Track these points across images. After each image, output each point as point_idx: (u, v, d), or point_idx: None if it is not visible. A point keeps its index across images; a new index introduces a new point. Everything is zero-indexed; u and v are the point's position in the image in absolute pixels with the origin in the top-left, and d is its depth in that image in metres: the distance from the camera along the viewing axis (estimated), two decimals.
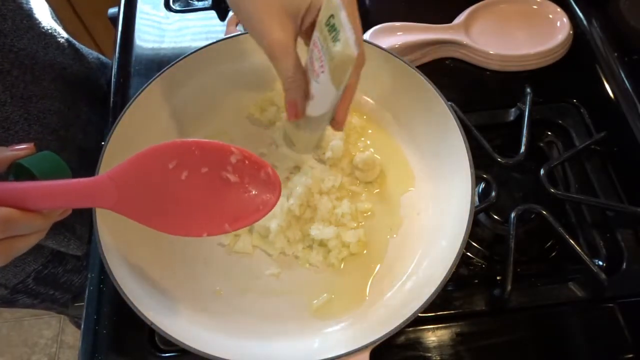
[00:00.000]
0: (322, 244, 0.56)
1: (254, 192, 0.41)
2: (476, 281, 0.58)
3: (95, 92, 0.75)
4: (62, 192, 0.37)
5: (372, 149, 0.62)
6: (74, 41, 0.72)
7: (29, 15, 0.61)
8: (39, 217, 0.37)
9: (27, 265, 0.68)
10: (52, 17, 0.68)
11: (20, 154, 0.38)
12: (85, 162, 0.70)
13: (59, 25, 0.69)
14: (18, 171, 0.38)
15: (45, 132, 0.62)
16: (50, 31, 0.65)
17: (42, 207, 0.37)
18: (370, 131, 0.64)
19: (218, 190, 0.40)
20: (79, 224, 0.69)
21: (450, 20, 0.75)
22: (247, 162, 0.40)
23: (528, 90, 0.66)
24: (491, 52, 0.71)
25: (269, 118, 0.64)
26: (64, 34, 0.69)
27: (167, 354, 0.53)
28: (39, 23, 0.63)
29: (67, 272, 0.74)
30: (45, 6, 0.68)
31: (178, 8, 0.81)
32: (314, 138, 0.52)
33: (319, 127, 0.49)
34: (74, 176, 0.39)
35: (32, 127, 0.60)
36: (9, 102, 0.57)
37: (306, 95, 0.44)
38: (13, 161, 0.38)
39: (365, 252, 0.57)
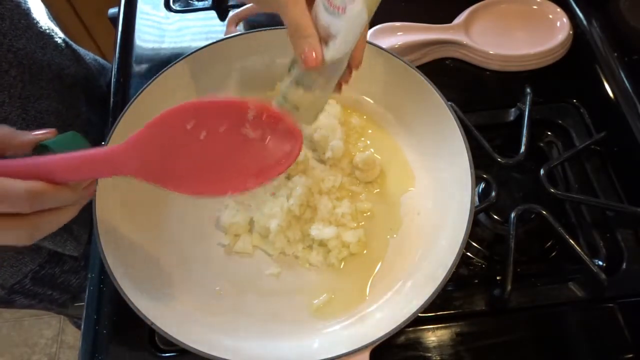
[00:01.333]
0: (322, 244, 0.56)
1: (274, 147, 0.41)
2: (476, 281, 0.58)
3: (95, 93, 0.75)
4: (85, 163, 0.37)
5: (372, 149, 0.62)
6: (71, 42, 0.73)
7: (26, 14, 0.61)
8: (66, 189, 0.37)
9: (24, 266, 0.68)
10: (49, 18, 0.68)
11: (43, 137, 0.38)
12: None
13: (56, 26, 0.69)
14: (42, 153, 0.38)
15: None
16: (48, 31, 0.65)
17: (67, 179, 0.37)
18: (370, 131, 0.64)
19: (238, 147, 0.40)
20: (77, 224, 0.69)
21: (450, 20, 0.75)
22: (265, 116, 0.39)
23: (528, 90, 0.66)
24: (491, 52, 0.71)
25: None
26: (61, 35, 0.69)
27: (167, 354, 0.53)
28: (37, 23, 0.63)
29: (64, 272, 0.74)
30: (42, 6, 0.68)
31: (178, 8, 0.81)
32: (321, 100, 0.48)
33: (332, 78, 0.46)
34: None
35: (30, 127, 0.60)
36: (6, 102, 0.57)
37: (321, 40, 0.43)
38: (36, 143, 0.37)
39: (365, 252, 0.57)
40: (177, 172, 0.40)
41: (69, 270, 0.74)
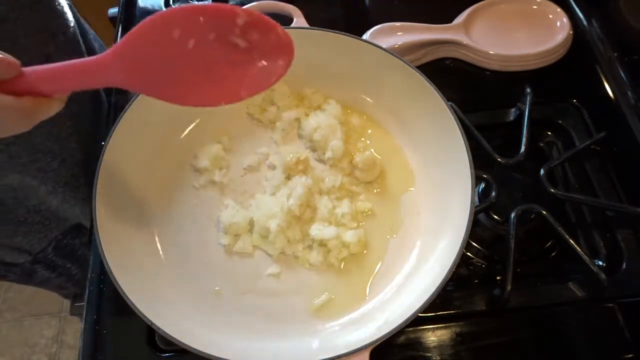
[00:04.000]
0: (322, 244, 0.56)
1: (266, 57, 0.39)
2: (476, 281, 0.58)
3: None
4: (70, 73, 0.38)
5: (372, 149, 0.62)
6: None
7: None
8: (53, 101, 0.39)
9: (50, 232, 0.71)
10: None
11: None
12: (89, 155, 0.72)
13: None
14: None
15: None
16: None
17: (54, 90, 0.38)
18: (370, 131, 0.64)
19: (229, 57, 0.39)
20: None
21: (450, 20, 0.75)
22: (254, 23, 0.38)
23: (528, 90, 0.66)
24: (491, 52, 0.71)
25: (269, 118, 0.64)
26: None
27: (167, 354, 0.53)
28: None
29: (83, 244, 0.77)
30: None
31: None
32: None
33: None
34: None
35: None
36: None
37: None
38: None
39: (365, 252, 0.57)
40: (166, 81, 0.39)
41: (87, 243, 0.77)
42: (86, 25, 0.79)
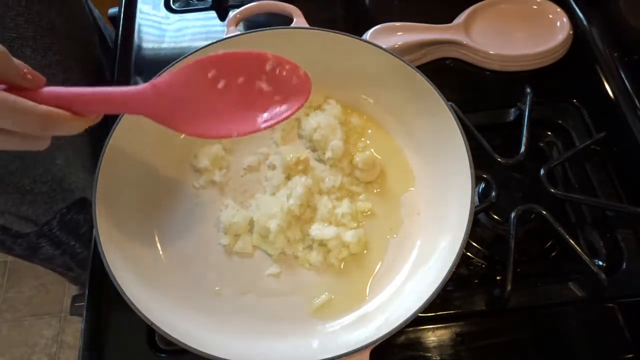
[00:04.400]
0: (322, 244, 0.56)
1: (284, 96, 0.44)
2: (476, 281, 0.58)
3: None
4: (107, 99, 0.40)
5: (372, 149, 0.62)
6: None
7: None
8: (80, 119, 0.39)
9: (55, 204, 0.71)
10: None
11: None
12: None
13: None
14: None
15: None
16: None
17: (87, 111, 0.39)
18: (370, 131, 0.64)
19: (251, 97, 0.43)
20: None
21: (450, 20, 0.75)
22: (279, 68, 0.43)
23: (528, 90, 0.66)
24: (491, 52, 0.71)
25: None
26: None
27: (167, 354, 0.53)
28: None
29: (87, 221, 0.77)
30: None
31: (178, 8, 0.81)
32: None
33: None
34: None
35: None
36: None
37: None
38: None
39: (365, 252, 0.57)
40: (188, 116, 0.42)
41: (91, 220, 0.78)
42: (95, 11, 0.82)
